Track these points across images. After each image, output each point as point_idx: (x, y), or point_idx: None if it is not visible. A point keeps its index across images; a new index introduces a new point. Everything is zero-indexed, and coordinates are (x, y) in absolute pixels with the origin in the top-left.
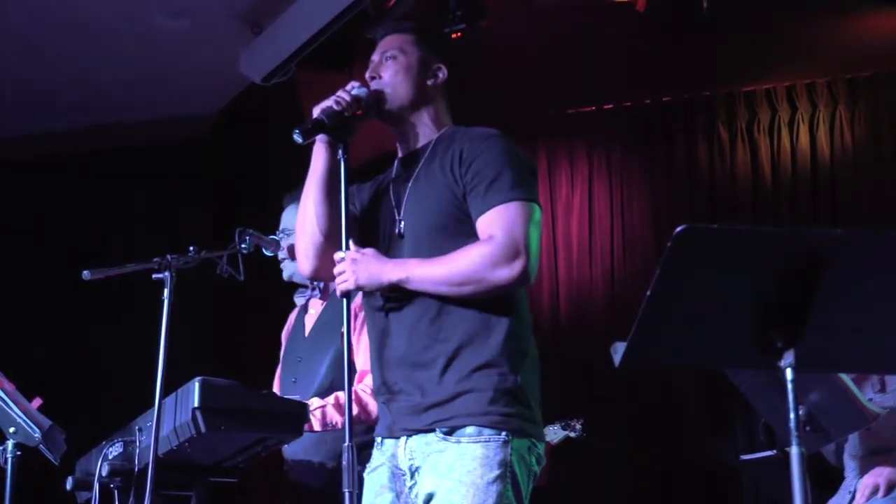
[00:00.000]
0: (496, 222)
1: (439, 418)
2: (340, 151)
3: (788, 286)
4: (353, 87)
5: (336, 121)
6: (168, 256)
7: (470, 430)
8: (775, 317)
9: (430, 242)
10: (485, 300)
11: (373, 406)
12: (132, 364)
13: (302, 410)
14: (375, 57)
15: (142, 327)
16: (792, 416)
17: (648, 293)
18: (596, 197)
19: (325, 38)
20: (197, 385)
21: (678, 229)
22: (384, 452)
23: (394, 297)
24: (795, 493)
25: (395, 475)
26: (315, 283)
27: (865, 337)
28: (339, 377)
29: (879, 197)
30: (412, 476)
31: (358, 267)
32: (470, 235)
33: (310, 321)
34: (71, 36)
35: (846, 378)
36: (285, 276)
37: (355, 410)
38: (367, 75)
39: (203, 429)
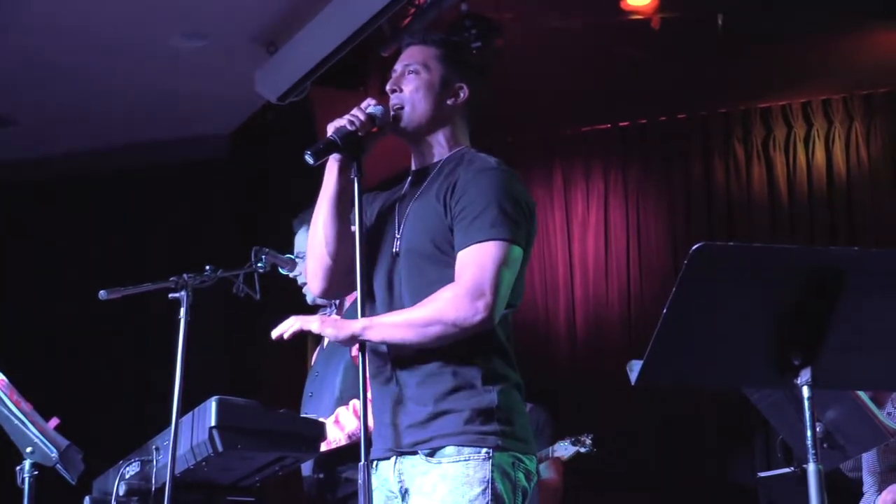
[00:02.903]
0: (468, 261)
1: (419, 439)
2: (353, 170)
3: (805, 304)
4: (369, 105)
5: (349, 140)
6: (184, 275)
7: (449, 450)
8: (792, 334)
9: (418, 267)
10: None
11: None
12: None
13: (319, 429)
14: (398, 67)
15: (158, 346)
16: (809, 433)
17: (665, 311)
18: (612, 214)
19: (339, 57)
20: (214, 404)
21: (695, 247)
22: (378, 475)
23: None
24: None
25: (389, 498)
26: (332, 300)
27: (883, 354)
28: (346, 388)
29: None
30: (403, 498)
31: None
32: (453, 266)
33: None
34: (89, 58)
35: (863, 395)
36: (309, 300)
37: (355, 425)
38: (387, 87)
39: (220, 448)
